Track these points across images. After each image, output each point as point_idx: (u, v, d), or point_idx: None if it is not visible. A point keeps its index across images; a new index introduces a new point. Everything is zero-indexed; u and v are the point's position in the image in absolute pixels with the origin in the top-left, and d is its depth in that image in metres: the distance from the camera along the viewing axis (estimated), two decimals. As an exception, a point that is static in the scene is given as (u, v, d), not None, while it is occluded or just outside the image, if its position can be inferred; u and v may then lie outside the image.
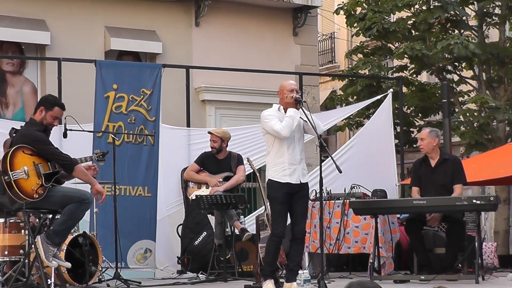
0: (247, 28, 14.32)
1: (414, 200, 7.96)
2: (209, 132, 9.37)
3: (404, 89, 15.19)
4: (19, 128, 6.67)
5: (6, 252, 7.60)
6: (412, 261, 8.50)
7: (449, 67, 15.53)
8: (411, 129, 16.23)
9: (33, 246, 6.35)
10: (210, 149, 9.31)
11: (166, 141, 9.67)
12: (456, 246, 8.10)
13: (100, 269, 8.04)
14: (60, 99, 7.23)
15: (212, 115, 13.85)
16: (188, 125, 10.43)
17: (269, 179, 6.89)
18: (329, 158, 7.16)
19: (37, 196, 6.31)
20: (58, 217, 6.52)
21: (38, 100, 6.86)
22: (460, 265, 8.15)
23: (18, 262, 7.55)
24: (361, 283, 3.38)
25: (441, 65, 15.18)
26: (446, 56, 14.77)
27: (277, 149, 6.86)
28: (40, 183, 6.34)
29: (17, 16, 12.55)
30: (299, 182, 6.85)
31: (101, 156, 7.57)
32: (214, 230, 9.02)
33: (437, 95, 15.42)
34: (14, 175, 6.22)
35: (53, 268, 7.09)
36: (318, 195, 7.22)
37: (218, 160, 9.24)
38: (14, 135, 6.65)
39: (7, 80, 12.90)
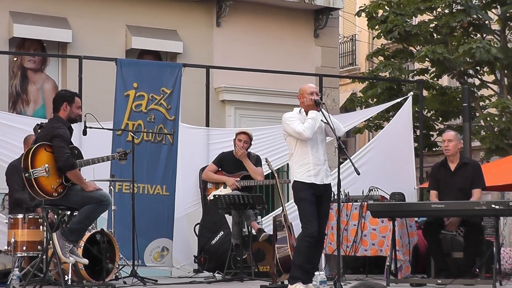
0: (268, 29, 14.31)
1: (433, 203, 7.92)
2: (243, 133, 9.16)
3: (425, 93, 15.14)
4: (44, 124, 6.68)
5: (24, 248, 7.68)
6: (429, 265, 8.47)
7: (471, 71, 15.46)
8: (431, 133, 16.17)
9: (51, 242, 6.37)
10: (228, 150, 9.31)
11: (185, 140, 9.68)
12: (474, 250, 8.07)
13: (117, 266, 8.08)
14: (80, 96, 7.25)
15: (231, 115, 13.86)
16: (208, 125, 10.44)
17: (295, 181, 6.84)
18: (348, 160, 7.14)
19: (56, 194, 6.33)
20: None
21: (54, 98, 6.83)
22: (477, 270, 8.10)
23: (36, 257, 7.63)
24: (366, 284, 3.40)
25: (462, 69, 15.11)
26: (468, 60, 14.70)
27: (301, 150, 6.83)
28: (60, 181, 6.36)
29: (39, 14, 12.63)
30: (323, 183, 6.83)
31: (123, 155, 7.59)
32: (231, 230, 9.03)
33: (457, 99, 15.35)
34: (35, 173, 6.24)
35: (70, 264, 7.13)
36: (335, 197, 7.20)
37: (236, 160, 9.22)
38: (39, 130, 6.65)
39: (28, 77, 12.98)
